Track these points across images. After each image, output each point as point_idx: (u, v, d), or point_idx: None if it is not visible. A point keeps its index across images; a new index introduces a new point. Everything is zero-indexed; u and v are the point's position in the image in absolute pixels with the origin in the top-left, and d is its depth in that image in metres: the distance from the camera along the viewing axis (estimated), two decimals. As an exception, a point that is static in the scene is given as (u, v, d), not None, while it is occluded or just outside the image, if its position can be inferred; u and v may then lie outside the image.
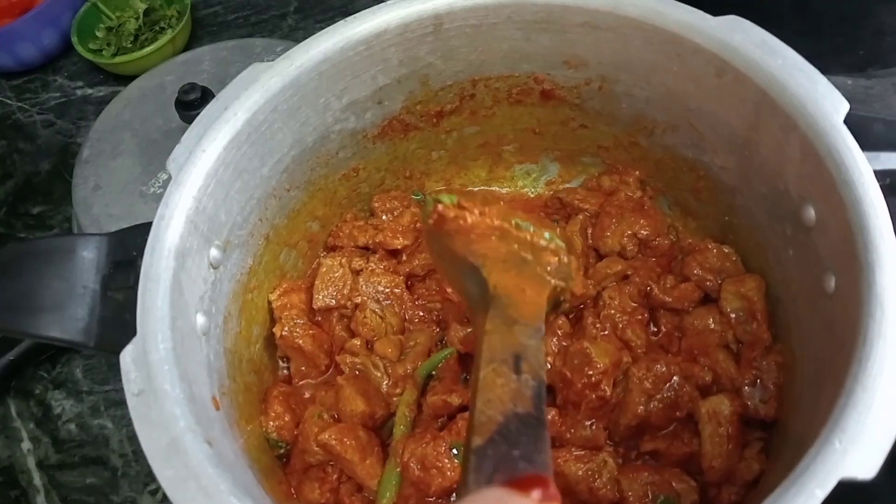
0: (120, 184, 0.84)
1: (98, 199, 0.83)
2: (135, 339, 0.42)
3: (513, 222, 0.47)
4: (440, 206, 0.46)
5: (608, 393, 0.54)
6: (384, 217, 0.66)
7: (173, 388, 0.40)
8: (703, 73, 0.51)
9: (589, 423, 0.55)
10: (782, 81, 0.47)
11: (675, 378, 0.54)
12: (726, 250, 0.58)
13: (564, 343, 0.58)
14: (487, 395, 0.36)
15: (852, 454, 0.35)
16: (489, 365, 0.38)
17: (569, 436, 0.54)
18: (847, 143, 0.44)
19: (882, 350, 0.38)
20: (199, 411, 0.41)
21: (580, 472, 0.53)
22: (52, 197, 0.94)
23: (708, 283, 0.58)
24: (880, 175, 0.46)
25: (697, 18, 0.50)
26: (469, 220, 0.46)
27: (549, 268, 0.47)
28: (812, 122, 0.45)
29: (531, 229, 0.47)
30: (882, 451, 0.35)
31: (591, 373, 0.54)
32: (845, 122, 0.46)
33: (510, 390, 0.36)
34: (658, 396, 0.54)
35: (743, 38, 0.49)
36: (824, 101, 0.46)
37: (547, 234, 0.48)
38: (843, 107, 0.46)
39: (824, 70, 0.90)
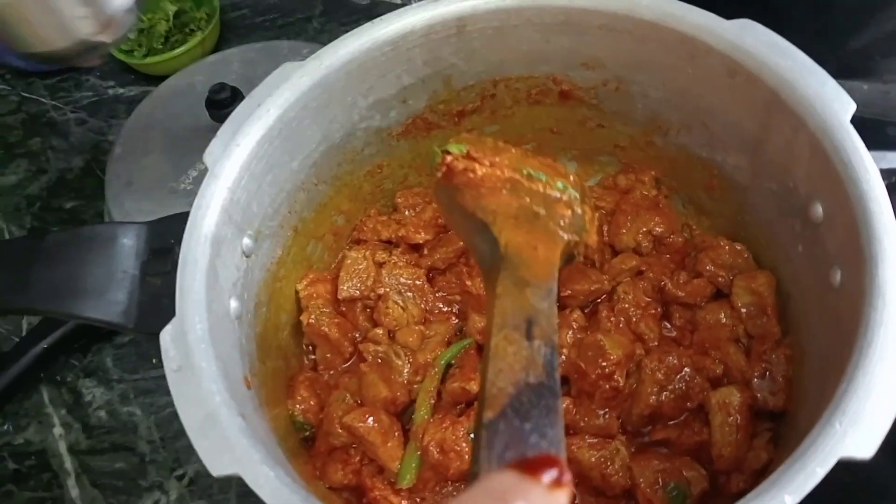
0: (151, 180, 0.87)
1: (130, 195, 0.86)
2: (173, 320, 0.45)
3: (525, 172, 0.46)
4: (448, 158, 0.45)
5: (621, 383, 0.56)
6: (407, 212, 0.68)
7: (209, 366, 0.43)
8: (716, 74, 0.53)
9: (602, 412, 0.57)
10: (792, 82, 0.49)
11: (686, 370, 0.56)
12: (738, 247, 0.60)
13: (579, 336, 0.60)
14: (499, 364, 0.35)
15: (852, 435, 0.37)
16: (500, 332, 0.36)
17: (582, 424, 0.56)
18: (854, 141, 0.46)
19: (883, 338, 0.40)
20: (233, 388, 0.44)
21: (593, 459, 0.55)
22: (84, 192, 0.97)
23: (720, 278, 0.60)
24: (886, 173, 0.48)
25: (710, 21, 0.52)
26: (479, 172, 0.44)
27: (562, 222, 0.45)
28: (820, 122, 0.47)
29: (543, 179, 0.46)
30: (881, 432, 0.37)
31: (604, 364, 0.56)
32: (857, 124, 0.48)
33: (522, 358, 0.35)
34: (670, 387, 0.56)
35: (754, 40, 0.51)
36: (832, 101, 0.48)
37: (560, 184, 0.47)
38: (851, 107, 0.47)
39: (840, 75, 0.92)
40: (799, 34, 0.84)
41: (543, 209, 0.45)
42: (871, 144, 0.58)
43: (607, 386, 0.56)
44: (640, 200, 0.66)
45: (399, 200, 0.68)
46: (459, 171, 0.45)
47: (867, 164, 0.45)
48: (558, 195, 0.46)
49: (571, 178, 0.48)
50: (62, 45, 0.45)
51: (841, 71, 0.92)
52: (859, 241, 0.44)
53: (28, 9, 0.40)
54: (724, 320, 0.59)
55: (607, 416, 0.56)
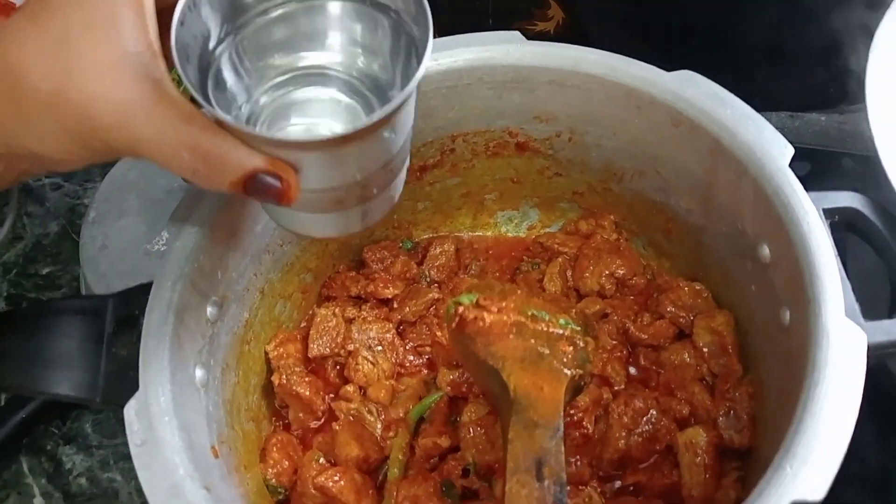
0: (126, 242, 0.87)
1: (105, 258, 0.87)
2: (137, 394, 0.45)
3: (529, 313, 0.51)
4: (461, 309, 0.49)
5: (590, 430, 0.57)
6: (374, 267, 0.69)
7: (173, 438, 0.43)
8: (661, 123, 0.55)
9: (574, 459, 0.57)
10: (732, 129, 0.51)
11: (652, 412, 0.57)
12: (697, 287, 0.62)
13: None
14: None
15: (802, 477, 0.38)
16: (513, 476, 0.42)
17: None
18: (792, 185, 0.48)
19: (828, 377, 0.41)
20: (197, 459, 0.44)
21: (573, 510, 0.55)
22: (61, 257, 0.98)
23: (681, 319, 0.61)
24: (829, 213, 0.50)
25: (652, 74, 0.54)
26: (488, 320, 0.49)
27: (565, 358, 0.50)
28: (760, 167, 0.49)
29: (546, 318, 0.51)
30: (829, 474, 0.38)
31: (573, 412, 0.57)
32: (814, 156, 0.50)
33: (534, 499, 0.41)
34: (637, 430, 0.56)
35: (695, 90, 0.53)
36: (771, 146, 0.49)
37: (562, 321, 0.51)
38: (789, 151, 0.49)
39: (798, 107, 0.94)
40: (756, 72, 0.87)
41: (547, 349, 0.50)
42: (829, 176, 0.59)
43: (577, 433, 0.57)
44: (602, 244, 0.67)
45: (366, 255, 0.69)
46: (470, 320, 0.49)
47: (806, 207, 0.47)
48: (561, 332, 0.51)
49: (573, 312, 0.53)
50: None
51: (798, 103, 0.96)
52: (803, 281, 0.45)
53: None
54: (688, 360, 0.60)
55: (579, 462, 0.57)
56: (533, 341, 0.49)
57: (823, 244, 0.45)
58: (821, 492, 0.38)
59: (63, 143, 0.37)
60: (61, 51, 0.36)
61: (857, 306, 0.45)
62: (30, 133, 0.37)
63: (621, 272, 0.65)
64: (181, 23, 0.36)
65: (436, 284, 0.68)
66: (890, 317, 0.46)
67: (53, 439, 0.82)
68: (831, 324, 0.42)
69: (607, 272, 0.65)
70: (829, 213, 0.50)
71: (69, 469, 0.81)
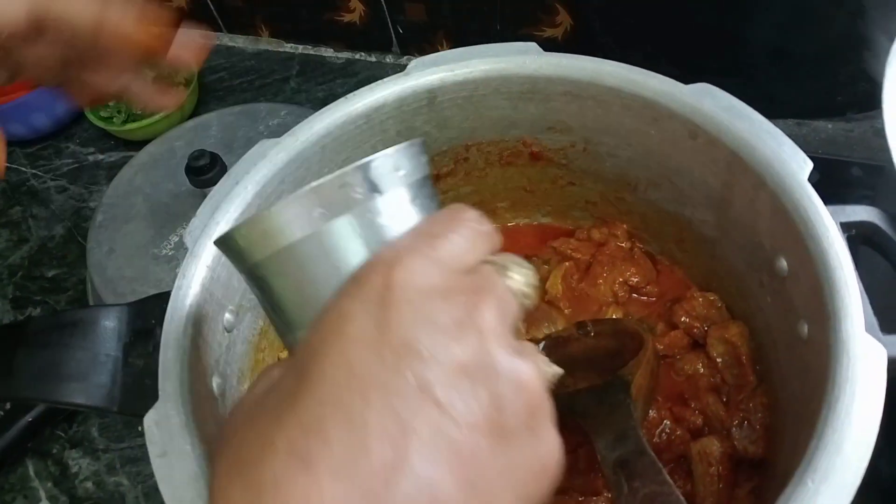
0: (133, 247, 0.87)
1: (112, 262, 0.87)
2: (157, 405, 0.45)
3: None
4: None
5: (604, 440, 0.57)
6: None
7: (194, 449, 0.43)
8: (678, 136, 0.55)
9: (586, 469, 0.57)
10: (751, 143, 0.51)
11: (666, 422, 0.57)
12: (711, 298, 0.62)
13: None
14: None
15: (823, 493, 0.38)
16: None
17: (568, 484, 0.57)
18: (812, 199, 0.48)
19: (849, 393, 0.41)
20: (218, 470, 0.44)
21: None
22: (67, 260, 0.98)
23: (695, 329, 0.61)
24: (846, 227, 0.50)
25: (670, 86, 0.54)
26: None
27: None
28: (779, 181, 0.49)
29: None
30: (851, 489, 0.38)
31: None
32: (822, 165, 0.50)
33: None
34: (651, 441, 0.57)
35: (712, 103, 0.53)
36: (790, 160, 0.49)
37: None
38: (808, 165, 0.49)
39: (805, 115, 0.94)
40: (763, 78, 0.87)
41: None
42: (837, 185, 0.59)
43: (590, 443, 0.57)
44: (616, 251, 0.67)
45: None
46: None
47: (826, 222, 0.47)
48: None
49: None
50: None
51: (805, 111, 0.96)
52: (822, 296, 0.45)
53: None
54: (701, 370, 0.60)
55: (592, 474, 0.57)
56: None
57: (843, 259, 0.45)
58: (842, 507, 0.38)
59: None
60: None
61: (875, 321, 0.45)
62: None
63: (635, 280, 0.65)
64: None
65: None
66: (907, 331, 0.46)
67: (59, 443, 0.82)
68: (851, 339, 0.42)
69: (621, 279, 0.66)
70: (846, 227, 0.50)
71: (75, 473, 0.81)
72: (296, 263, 0.31)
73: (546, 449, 0.31)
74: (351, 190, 0.30)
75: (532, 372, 0.30)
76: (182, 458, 0.43)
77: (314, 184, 0.30)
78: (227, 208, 0.53)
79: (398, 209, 0.32)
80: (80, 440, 0.83)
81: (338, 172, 0.30)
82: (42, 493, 0.80)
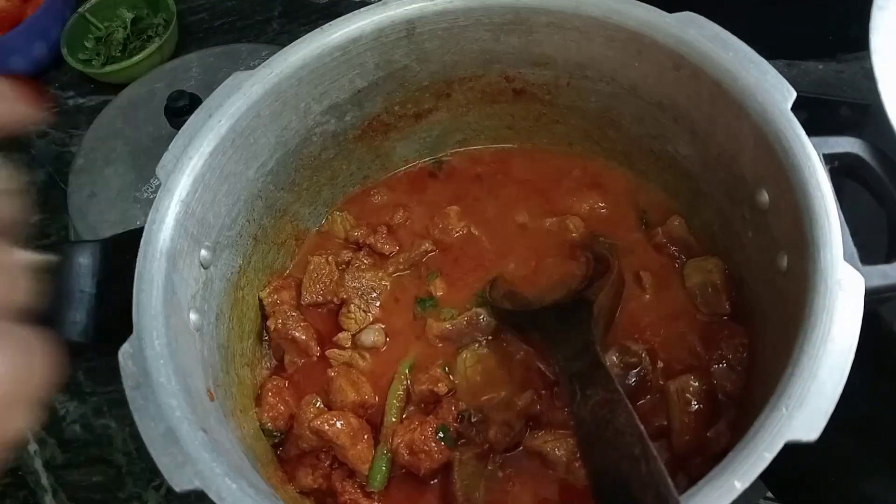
0: (114, 190, 0.86)
1: (93, 206, 0.85)
2: (130, 338, 0.45)
3: None
4: None
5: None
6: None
7: (168, 382, 0.43)
8: (663, 67, 0.54)
9: (565, 406, 0.58)
10: (734, 72, 0.50)
11: (645, 358, 0.57)
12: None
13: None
14: None
15: (798, 418, 0.38)
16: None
17: (547, 420, 0.57)
18: (794, 129, 0.47)
19: (826, 321, 0.41)
20: (194, 402, 0.44)
21: (559, 452, 0.55)
22: (49, 206, 0.97)
23: (673, 251, 0.62)
24: (829, 158, 0.49)
25: (654, 16, 0.53)
26: None
27: None
28: (762, 110, 0.48)
29: None
30: (824, 415, 0.38)
31: None
32: (812, 104, 0.49)
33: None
34: (627, 382, 0.57)
35: (697, 32, 0.52)
36: (773, 90, 0.48)
37: None
38: (791, 95, 0.48)
39: (795, 55, 0.93)
40: (753, 18, 0.85)
41: None
42: (826, 125, 0.59)
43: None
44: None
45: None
46: None
47: (808, 151, 0.46)
48: None
49: None
50: None
51: (796, 52, 0.94)
52: (802, 226, 0.45)
53: None
54: (679, 305, 0.60)
55: (566, 411, 0.57)
56: None
57: (824, 189, 0.45)
58: (815, 432, 0.38)
59: None
60: None
61: (855, 251, 0.45)
62: None
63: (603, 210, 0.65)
64: None
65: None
66: (888, 261, 0.46)
67: (46, 387, 0.82)
68: (830, 267, 0.42)
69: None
70: (828, 159, 0.49)
71: (63, 416, 0.81)
72: None
73: None
74: None
75: None
76: (156, 389, 0.43)
77: None
78: (199, 143, 0.52)
79: None
80: (66, 384, 0.83)
81: None
82: (30, 436, 0.80)
